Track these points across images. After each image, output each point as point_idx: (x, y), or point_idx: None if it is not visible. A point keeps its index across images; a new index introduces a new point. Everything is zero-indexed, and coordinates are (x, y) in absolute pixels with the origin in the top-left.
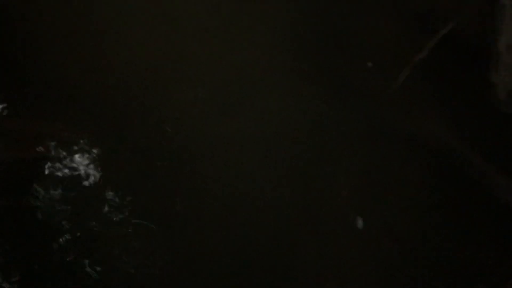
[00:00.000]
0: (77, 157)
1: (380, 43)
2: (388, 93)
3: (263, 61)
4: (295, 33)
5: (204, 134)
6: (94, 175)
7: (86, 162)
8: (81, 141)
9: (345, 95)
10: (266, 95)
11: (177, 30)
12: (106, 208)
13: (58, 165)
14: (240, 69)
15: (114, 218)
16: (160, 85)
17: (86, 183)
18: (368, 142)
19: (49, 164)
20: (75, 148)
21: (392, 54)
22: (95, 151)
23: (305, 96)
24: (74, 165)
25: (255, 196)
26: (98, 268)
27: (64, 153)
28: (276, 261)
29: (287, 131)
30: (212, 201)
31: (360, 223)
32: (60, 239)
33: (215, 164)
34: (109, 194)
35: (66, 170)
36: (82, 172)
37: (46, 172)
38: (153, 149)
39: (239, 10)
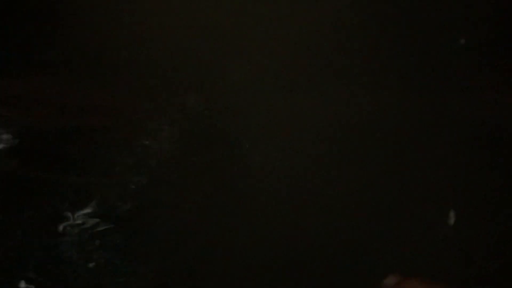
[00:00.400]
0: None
1: (475, 15)
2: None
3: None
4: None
5: (260, 114)
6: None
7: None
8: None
9: (430, 80)
10: (339, 80)
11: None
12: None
13: (115, 137)
14: (303, 46)
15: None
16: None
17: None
18: (465, 133)
19: (107, 135)
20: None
21: (493, 29)
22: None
23: (382, 80)
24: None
25: (327, 187)
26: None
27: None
28: (352, 255)
29: (362, 116)
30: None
31: (452, 218)
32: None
33: (267, 151)
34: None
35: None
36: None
37: (103, 142)
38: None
39: None
